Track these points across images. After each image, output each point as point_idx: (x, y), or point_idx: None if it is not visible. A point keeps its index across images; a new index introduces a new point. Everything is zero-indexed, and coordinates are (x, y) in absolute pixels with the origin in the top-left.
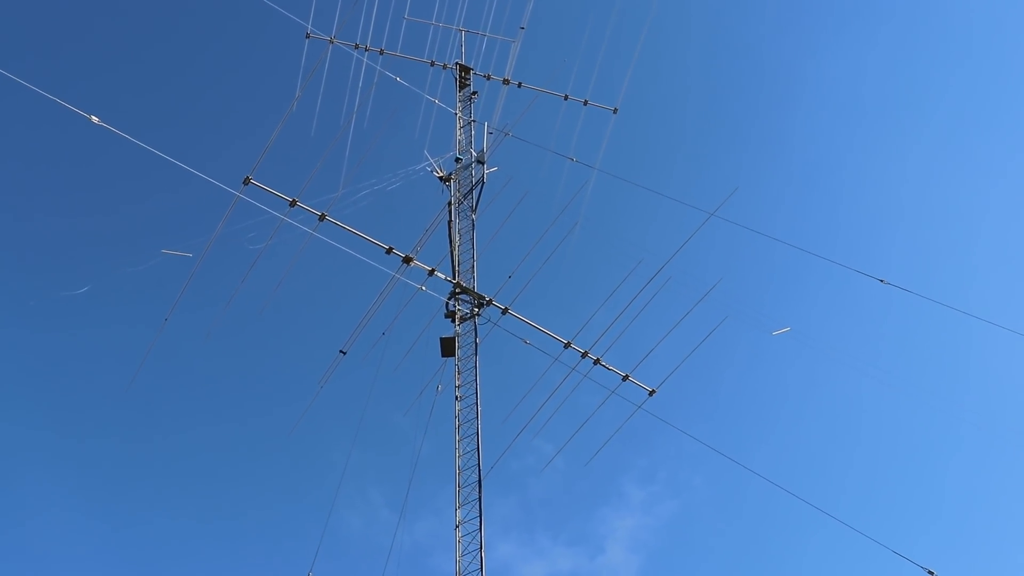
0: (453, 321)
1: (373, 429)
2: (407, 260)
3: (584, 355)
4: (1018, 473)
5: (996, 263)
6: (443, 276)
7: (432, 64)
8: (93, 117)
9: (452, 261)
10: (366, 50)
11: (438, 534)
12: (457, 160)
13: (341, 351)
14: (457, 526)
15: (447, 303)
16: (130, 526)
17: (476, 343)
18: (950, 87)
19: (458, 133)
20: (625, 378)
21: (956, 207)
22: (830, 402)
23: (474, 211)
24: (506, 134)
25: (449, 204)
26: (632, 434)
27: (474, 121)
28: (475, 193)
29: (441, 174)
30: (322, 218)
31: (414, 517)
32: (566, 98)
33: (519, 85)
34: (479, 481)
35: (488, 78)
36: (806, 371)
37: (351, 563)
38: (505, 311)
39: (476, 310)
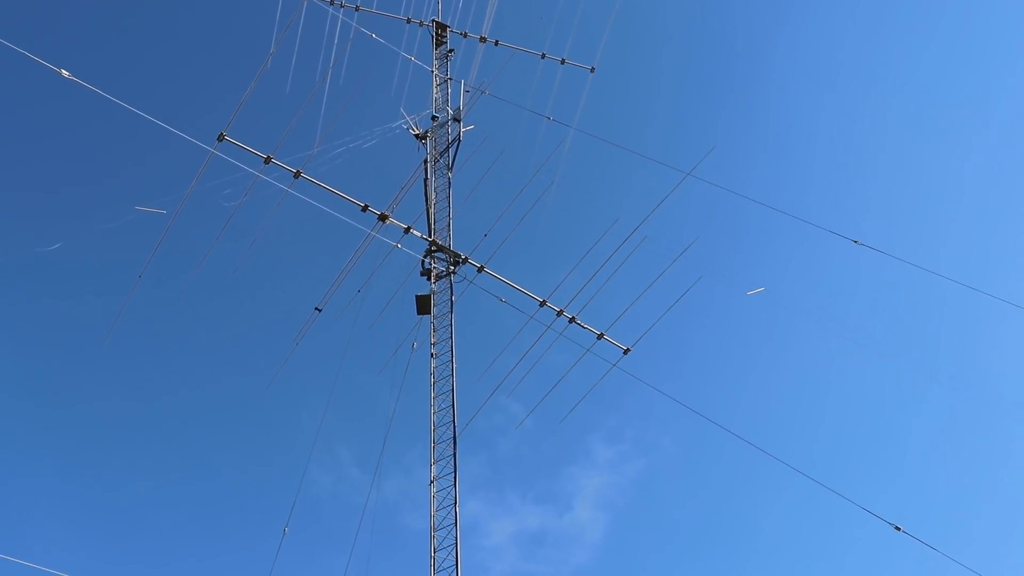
0: (429, 279)
1: (343, 388)
2: (383, 218)
3: (559, 313)
4: (985, 432)
5: (968, 225)
6: (419, 234)
7: (408, 21)
8: (63, 71)
9: (428, 219)
10: (341, 6)
11: (407, 492)
12: (433, 118)
13: (316, 308)
14: (432, 481)
15: (423, 261)
16: (103, 488)
17: (452, 301)
18: (925, 48)
19: (434, 91)
20: (600, 336)
21: (930, 169)
22: (802, 362)
23: (450, 169)
24: (483, 92)
25: (425, 162)
26: (601, 393)
27: (450, 79)
28: (451, 151)
29: (417, 132)
30: (297, 175)
31: (383, 475)
32: (543, 57)
33: (496, 43)
34: (454, 437)
35: (465, 36)
36: (779, 331)
37: (322, 521)
38: (481, 269)
39: (452, 268)
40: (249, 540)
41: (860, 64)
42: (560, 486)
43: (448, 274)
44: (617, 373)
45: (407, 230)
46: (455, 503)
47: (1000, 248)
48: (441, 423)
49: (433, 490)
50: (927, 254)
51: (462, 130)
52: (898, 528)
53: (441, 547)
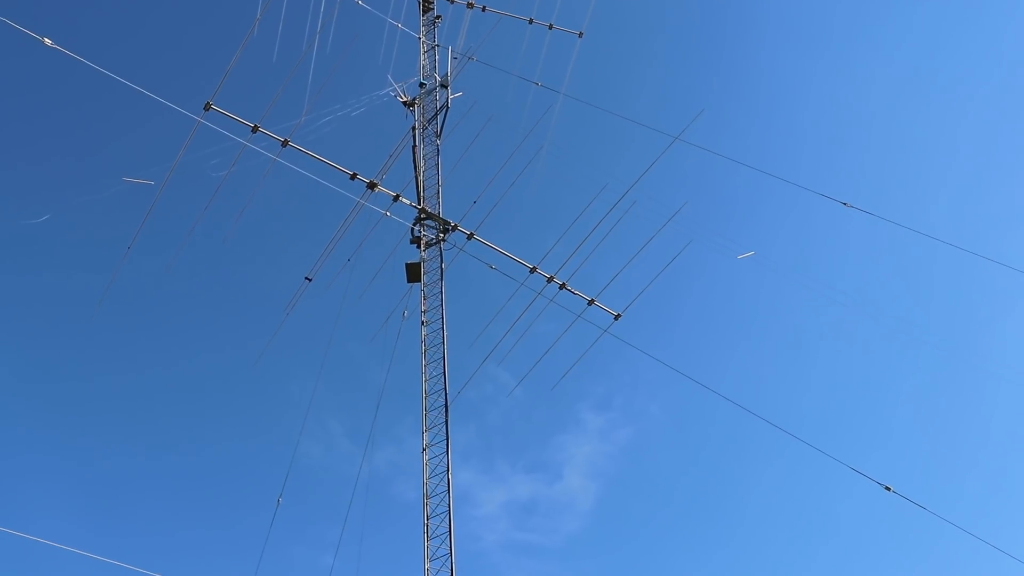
0: (419, 247)
1: (332, 359)
2: (372, 186)
3: (550, 279)
4: (974, 392)
5: (958, 187)
6: (408, 202)
7: None
8: (46, 39)
9: (417, 186)
10: None
11: (397, 463)
12: (421, 85)
13: (307, 278)
14: (424, 449)
15: (412, 229)
16: (95, 461)
17: (442, 268)
18: (915, 10)
19: (422, 58)
20: (591, 302)
21: (919, 131)
22: (792, 325)
23: (439, 136)
24: (470, 58)
25: (413, 129)
26: (589, 361)
27: (438, 45)
28: (439, 118)
29: (405, 99)
30: (285, 144)
31: (374, 446)
32: (531, 22)
33: (483, 9)
34: (446, 405)
35: (452, 2)
36: (769, 295)
37: (314, 492)
38: (471, 236)
39: (442, 235)
40: (241, 511)
41: (849, 27)
42: (550, 455)
43: (438, 241)
44: (605, 341)
45: (396, 198)
46: (447, 470)
47: (989, 209)
48: (432, 391)
49: (425, 458)
50: (916, 216)
51: (450, 97)
52: (888, 488)
53: (434, 514)
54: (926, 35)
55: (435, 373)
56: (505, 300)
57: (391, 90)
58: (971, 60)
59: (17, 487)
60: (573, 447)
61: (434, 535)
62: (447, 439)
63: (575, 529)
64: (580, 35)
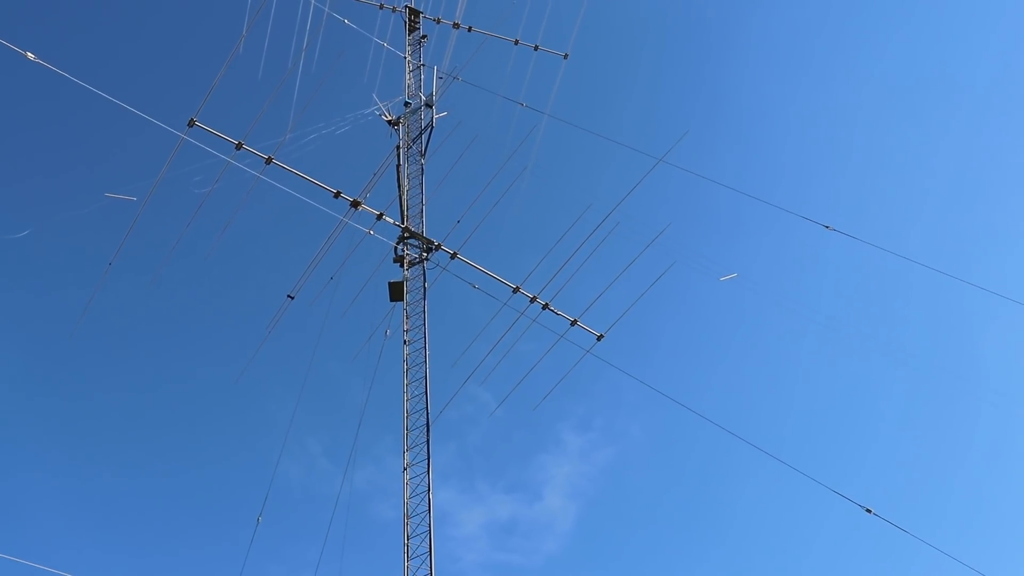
0: (402, 266)
1: (312, 378)
2: (355, 204)
3: (533, 300)
4: (954, 414)
5: (938, 210)
6: (392, 220)
7: (381, 7)
8: (29, 54)
9: (401, 205)
10: None
11: (377, 482)
12: (406, 104)
13: (289, 296)
14: (405, 468)
15: (396, 248)
16: (74, 481)
17: (425, 288)
18: (896, 34)
19: (407, 77)
20: (574, 323)
21: (900, 155)
22: (774, 347)
23: (423, 156)
24: (456, 78)
25: (398, 148)
26: (570, 381)
27: (423, 65)
28: (424, 137)
29: (390, 118)
30: (269, 161)
31: (347, 466)
32: (516, 43)
33: (469, 29)
34: (427, 424)
35: (438, 21)
36: (751, 317)
37: (293, 512)
38: (454, 256)
39: (425, 255)
40: (219, 531)
41: (831, 51)
42: (530, 475)
43: (421, 260)
44: (586, 361)
45: (380, 216)
46: (428, 490)
47: (969, 233)
48: (413, 410)
49: (406, 477)
50: (897, 239)
51: (435, 116)
52: (869, 511)
53: (414, 534)
54: (907, 58)
55: (417, 392)
56: (488, 320)
57: (376, 109)
58: (951, 83)
59: None
60: (553, 467)
61: (415, 555)
62: (428, 459)
63: (555, 549)
64: (565, 56)
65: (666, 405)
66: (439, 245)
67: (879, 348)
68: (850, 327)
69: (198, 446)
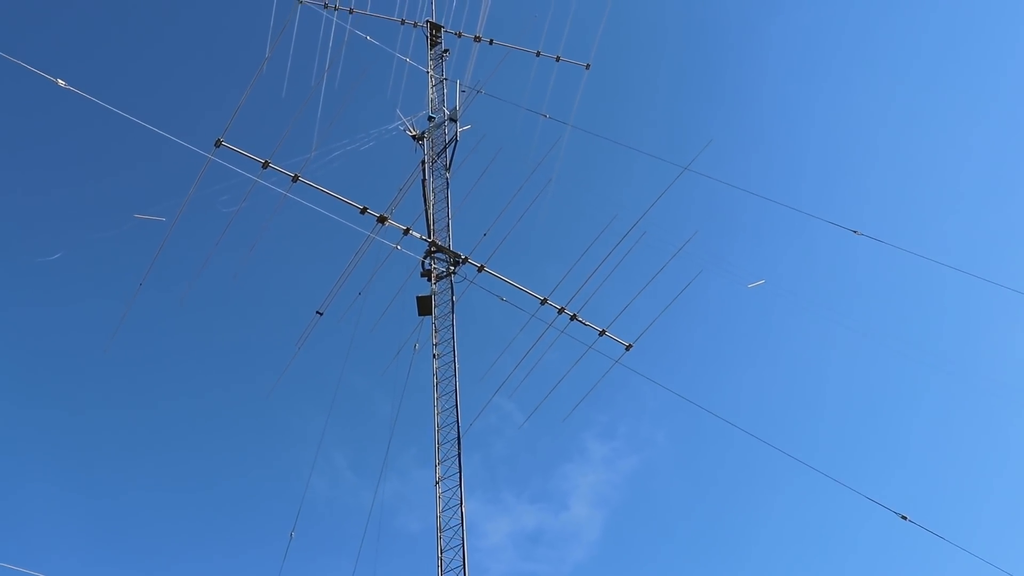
0: (429, 280)
1: (339, 393)
2: (382, 220)
3: (560, 311)
4: (989, 419)
5: (967, 212)
6: (418, 235)
7: (402, 23)
8: (60, 80)
9: (427, 220)
10: (335, 9)
11: (402, 495)
12: (430, 119)
13: (318, 312)
14: (437, 482)
15: (423, 262)
16: (105, 494)
17: (452, 301)
18: (921, 35)
19: (430, 92)
20: (602, 333)
21: (928, 157)
22: (803, 354)
23: (448, 169)
24: (478, 92)
25: (423, 163)
26: (595, 390)
27: (446, 79)
28: (448, 151)
29: (414, 133)
30: (295, 179)
31: (380, 479)
32: (538, 55)
33: (491, 42)
34: (458, 438)
35: (459, 36)
36: (780, 323)
37: (319, 526)
38: (481, 269)
39: (452, 268)
40: (246, 544)
41: (855, 54)
42: (555, 484)
43: (448, 274)
44: (613, 370)
45: (406, 231)
46: (461, 503)
47: (999, 235)
48: (443, 424)
49: (439, 491)
50: (926, 242)
51: (459, 130)
52: (904, 517)
53: (447, 547)
54: (933, 60)
55: (447, 406)
56: (516, 332)
57: (400, 124)
58: (978, 85)
59: (25, 520)
60: (578, 476)
61: (448, 568)
62: (460, 472)
63: (582, 558)
64: (587, 67)
65: (690, 412)
66: (466, 259)
67: (910, 352)
68: (880, 332)
69: (226, 461)
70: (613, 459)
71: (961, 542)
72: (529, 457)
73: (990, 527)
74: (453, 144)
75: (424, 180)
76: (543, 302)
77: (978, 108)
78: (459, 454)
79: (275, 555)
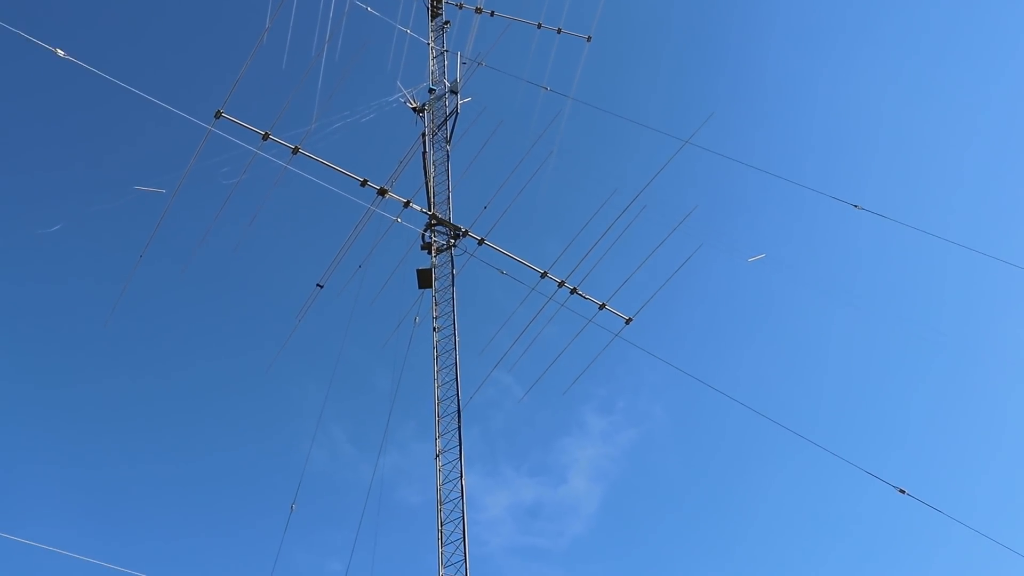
0: (429, 253)
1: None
2: (382, 192)
3: (561, 284)
4: (988, 393)
5: (967, 187)
6: (419, 208)
7: None
8: (59, 50)
9: (427, 192)
10: None
11: (402, 467)
12: (430, 91)
13: (318, 284)
14: (437, 455)
15: (423, 235)
16: (107, 468)
17: (453, 274)
18: (924, 10)
19: (431, 63)
20: (602, 307)
21: (929, 131)
22: (804, 327)
23: (448, 142)
24: (479, 64)
25: (423, 135)
26: (593, 364)
27: (447, 51)
28: (449, 124)
29: (414, 105)
30: (295, 151)
31: (377, 452)
32: (539, 27)
33: (491, 14)
34: (458, 411)
35: (460, 7)
36: (780, 298)
37: (318, 498)
38: (481, 242)
39: (452, 241)
40: (245, 516)
41: (858, 28)
42: (554, 458)
43: (449, 247)
44: (613, 343)
45: (407, 204)
46: (461, 476)
47: (1003, 211)
48: (443, 397)
49: (439, 463)
50: (928, 217)
51: (459, 102)
52: (903, 491)
53: (447, 520)
54: (935, 34)
55: (447, 379)
56: (516, 305)
57: (400, 96)
58: (981, 59)
59: (28, 495)
60: (577, 450)
61: (448, 541)
62: (460, 445)
63: (581, 532)
64: (588, 39)
65: (689, 387)
66: (466, 232)
67: (910, 328)
68: (880, 307)
69: (225, 432)
70: (611, 433)
71: (959, 516)
72: (528, 430)
73: (988, 501)
74: (454, 116)
75: (424, 153)
76: (543, 275)
77: (983, 82)
78: (459, 427)
79: (274, 527)
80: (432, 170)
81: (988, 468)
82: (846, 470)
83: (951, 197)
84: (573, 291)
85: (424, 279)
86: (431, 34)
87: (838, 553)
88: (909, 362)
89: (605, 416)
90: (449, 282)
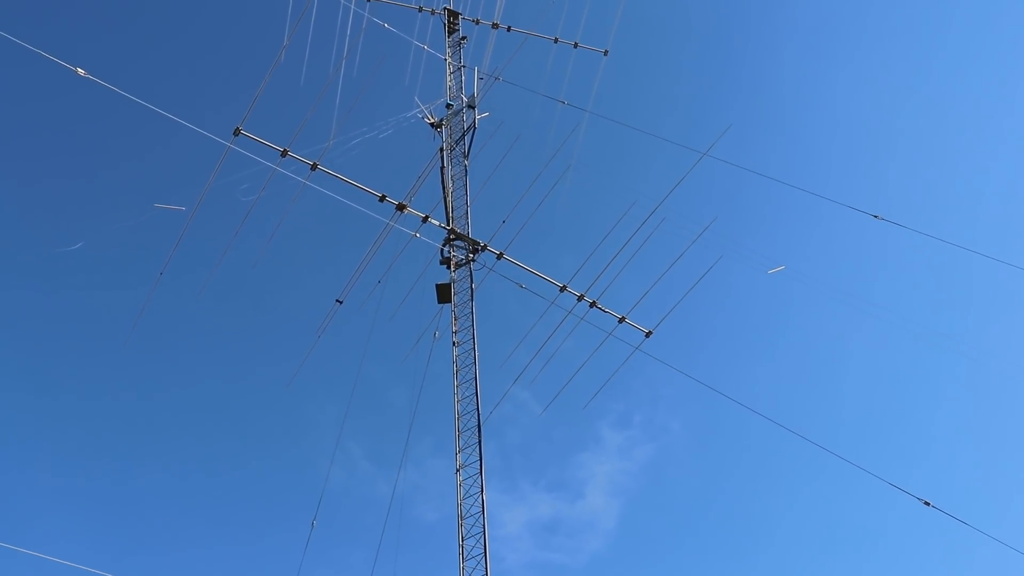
0: (448, 267)
1: (351, 381)
2: (401, 207)
3: (580, 298)
4: (1013, 404)
5: (988, 196)
6: (437, 223)
7: (420, 10)
8: (79, 69)
9: (446, 207)
10: None
11: (418, 485)
12: (448, 106)
13: (337, 300)
14: (458, 470)
15: (442, 250)
16: (126, 483)
17: (472, 289)
18: (942, 20)
19: (448, 79)
20: (621, 320)
21: (949, 141)
22: (825, 339)
23: (466, 157)
24: (496, 79)
25: (441, 150)
26: (610, 379)
27: (464, 66)
28: (467, 139)
29: (432, 121)
30: (314, 167)
31: (394, 468)
32: (556, 41)
33: (508, 29)
34: (479, 426)
35: (477, 22)
36: (801, 309)
37: (336, 515)
38: (500, 256)
39: (471, 256)
40: (263, 534)
41: (875, 38)
42: (571, 473)
43: (467, 262)
44: (631, 357)
45: (425, 219)
46: (481, 491)
47: (1021, 218)
48: (464, 412)
49: (459, 478)
50: (948, 227)
51: (477, 117)
52: (928, 503)
53: (468, 535)
54: (953, 43)
55: (466, 394)
56: (534, 319)
57: (418, 112)
58: (1001, 66)
59: (47, 508)
60: (594, 465)
61: (469, 556)
62: (480, 460)
63: (599, 547)
64: (605, 53)
65: (706, 400)
66: (485, 246)
67: (932, 338)
68: (902, 317)
69: (243, 449)
70: (629, 448)
71: (985, 528)
72: (545, 446)
73: (1015, 513)
74: (471, 131)
75: (443, 168)
76: (562, 289)
77: (1004, 90)
78: (479, 442)
79: (292, 545)
80: (450, 185)
81: (1015, 479)
82: (870, 482)
83: (972, 206)
84: (592, 305)
85: (443, 294)
86: (448, 50)
87: (863, 567)
88: (932, 372)
89: (622, 431)
90: (468, 297)
